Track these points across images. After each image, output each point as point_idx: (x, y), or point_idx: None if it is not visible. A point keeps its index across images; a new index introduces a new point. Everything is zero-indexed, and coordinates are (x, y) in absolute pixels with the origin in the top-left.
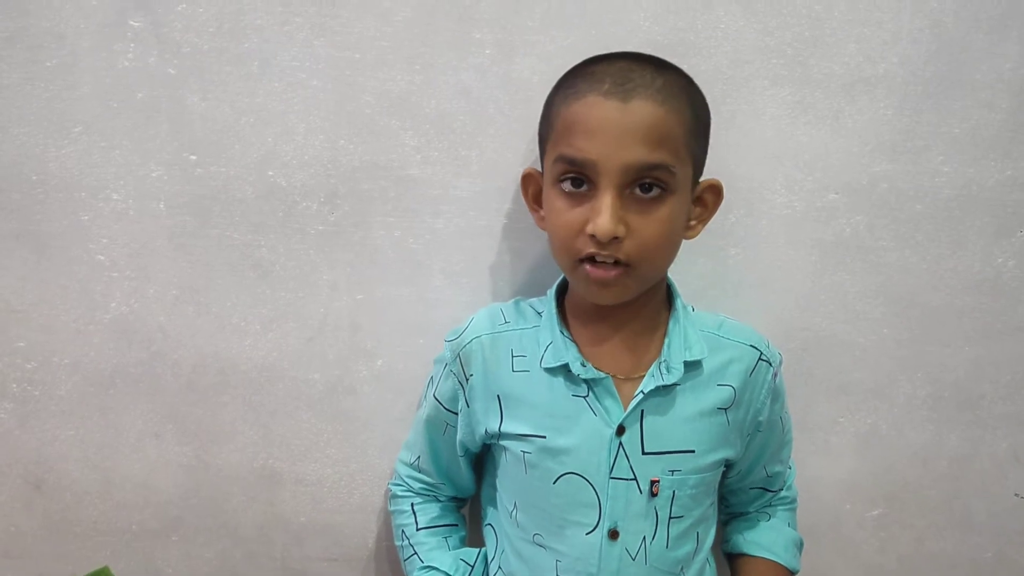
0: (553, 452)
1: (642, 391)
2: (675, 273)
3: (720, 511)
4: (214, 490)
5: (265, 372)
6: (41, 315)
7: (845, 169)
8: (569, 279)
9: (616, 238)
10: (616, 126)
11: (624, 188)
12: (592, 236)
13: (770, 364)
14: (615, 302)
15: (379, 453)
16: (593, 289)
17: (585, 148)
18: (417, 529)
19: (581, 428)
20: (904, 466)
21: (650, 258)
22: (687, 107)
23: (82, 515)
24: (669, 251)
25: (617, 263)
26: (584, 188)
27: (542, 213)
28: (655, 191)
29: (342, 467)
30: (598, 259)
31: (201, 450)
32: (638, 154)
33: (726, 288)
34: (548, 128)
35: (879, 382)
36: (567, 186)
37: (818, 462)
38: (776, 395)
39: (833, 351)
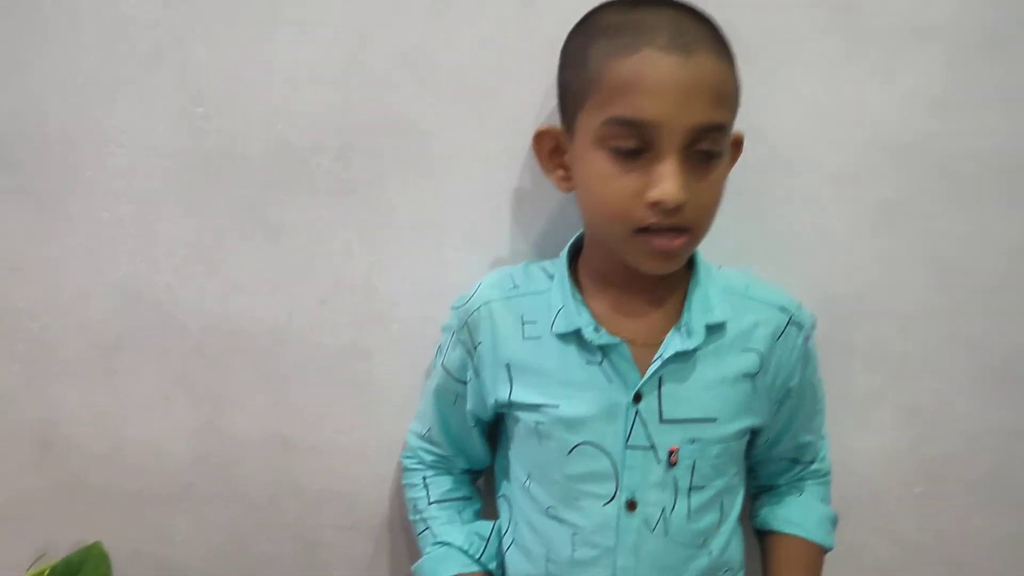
0: (567, 422)
1: (661, 356)
2: (710, 235)
3: (748, 483)
4: (225, 456)
5: (276, 335)
6: (45, 274)
7: (894, 126)
8: (619, 249)
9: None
10: (681, 84)
11: (687, 150)
12: (653, 204)
13: (800, 327)
14: (672, 271)
15: (394, 420)
16: (653, 261)
17: (647, 108)
18: (429, 503)
19: (596, 396)
20: (949, 442)
21: (707, 222)
22: (733, 60)
23: (91, 479)
24: (717, 213)
25: (678, 230)
26: (639, 151)
27: (562, 173)
28: (712, 152)
29: (355, 434)
30: (655, 228)
31: (212, 415)
32: (704, 114)
33: (764, 252)
34: (588, 84)
35: (925, 353)
36: (621, 148)
37: (857, 436)
38: (807, 359)
39: (877, 320)
